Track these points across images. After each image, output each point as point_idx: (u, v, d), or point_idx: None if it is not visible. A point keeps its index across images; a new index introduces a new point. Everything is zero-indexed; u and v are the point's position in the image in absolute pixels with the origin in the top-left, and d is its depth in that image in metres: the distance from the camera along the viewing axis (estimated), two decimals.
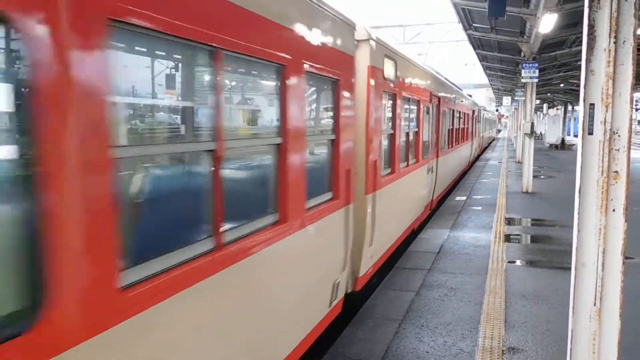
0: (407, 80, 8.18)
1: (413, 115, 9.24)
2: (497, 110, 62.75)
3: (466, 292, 6.61)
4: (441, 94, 12.16)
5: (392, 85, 7.04)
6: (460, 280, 7.11)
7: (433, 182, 11.51)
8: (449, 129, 14.12)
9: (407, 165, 8.46)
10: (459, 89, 19.20)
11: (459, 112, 16.96)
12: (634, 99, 4.43)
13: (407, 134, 8.57)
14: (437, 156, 11.89)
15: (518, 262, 8.12)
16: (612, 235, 3.30)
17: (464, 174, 20.60)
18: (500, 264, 7.90)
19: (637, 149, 33.29)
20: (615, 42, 3.16)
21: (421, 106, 9.53)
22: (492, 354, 4.90)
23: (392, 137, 7.40)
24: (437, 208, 12.62)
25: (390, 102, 7.32)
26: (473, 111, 23.05)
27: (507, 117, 76.37)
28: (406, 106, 8.46)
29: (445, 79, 15.10)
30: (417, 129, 9.30)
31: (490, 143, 48.17)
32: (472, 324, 5.59)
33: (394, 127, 7.42)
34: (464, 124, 18.96)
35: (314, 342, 4.68)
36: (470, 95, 24.80)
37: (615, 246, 3.30)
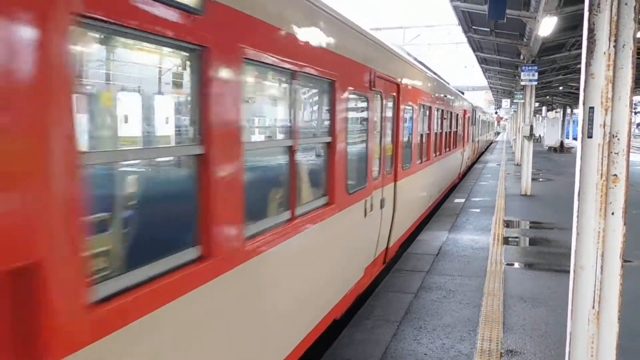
0: (291, 32, 3.84)
1: (322, 116, 5.04)
2: (496, 112, 62.96)
3: (465, 294, 6.61)
4: (404, 82, 7.84)
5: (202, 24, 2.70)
6: (459, 283, 7.11)
7: (387, 222, 7.24)
8: (423, 135, 10.07)
9: (292, 218, 4.08)
10: (445, 82, 15.21)
11: (442, 111, 12.63)
12: (634, 102, 4.43)
13: (291, 152, 4.03)
14: (396, 179, 7.61)
15: (517, 265, 8.12)
16: (611, 239, 3.30)
17: (453, 187, 17.20)
18: (499, 266, 7.91)
19: (637, 152, 33.36)
20: (615, 46, 3.17)
21: (345, 95, 5.05)
22: (490, 356, 4.90)
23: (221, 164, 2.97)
24: (402, 253, 8.74)
25: (214, 76, 2.84)
26: (465, 111, 18.82)
27: (506, 119, 76.57)
28: (281, 88, 4.24)
29: (420, 62, 11.32)
30: (330, 139, 4.82)
31: (489, 146, 48.28)
32: (470, 326, 5.60)
33: (226, 144, 3.00)
34: (451, 127, 14.70)
35: (313, 344, 4.67)
36: (462, 92, 21.58)
37: (614, 249, 3.31)
